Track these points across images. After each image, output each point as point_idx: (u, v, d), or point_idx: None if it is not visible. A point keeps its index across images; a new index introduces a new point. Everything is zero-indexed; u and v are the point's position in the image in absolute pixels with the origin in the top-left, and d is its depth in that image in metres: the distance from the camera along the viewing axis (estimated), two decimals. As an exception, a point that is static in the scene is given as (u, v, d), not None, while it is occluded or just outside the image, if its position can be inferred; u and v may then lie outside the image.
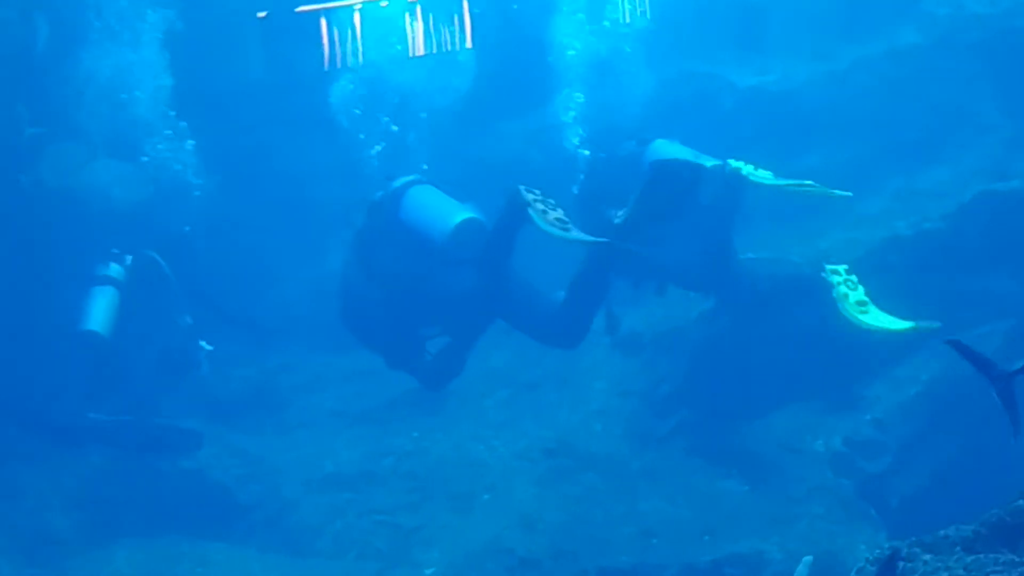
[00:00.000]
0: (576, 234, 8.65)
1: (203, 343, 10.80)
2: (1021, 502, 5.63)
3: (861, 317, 9.67)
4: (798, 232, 11.12)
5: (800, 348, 10.26)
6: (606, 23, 12.94)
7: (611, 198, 9.61)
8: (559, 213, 8.79)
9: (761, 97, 12.87)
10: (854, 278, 9.87)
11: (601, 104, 12.90)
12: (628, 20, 13.22)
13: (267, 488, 10.39)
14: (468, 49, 13.15)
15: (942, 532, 5.63)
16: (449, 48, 13.12)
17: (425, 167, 10.13)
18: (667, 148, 9.94)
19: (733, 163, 9.79)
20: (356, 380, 11.37)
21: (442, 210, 8.95)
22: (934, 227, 10.67)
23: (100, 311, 10.34)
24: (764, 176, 9.82)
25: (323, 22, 13.10)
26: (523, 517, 9.59)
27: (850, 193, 10.04)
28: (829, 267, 9.96)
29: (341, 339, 9.85)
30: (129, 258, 10.75)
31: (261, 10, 13.03)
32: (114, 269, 10.62)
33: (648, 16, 13.34)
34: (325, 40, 13.05)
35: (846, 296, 9.78)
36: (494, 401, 11.09)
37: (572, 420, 10.57)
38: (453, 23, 13.31)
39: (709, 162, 9.64)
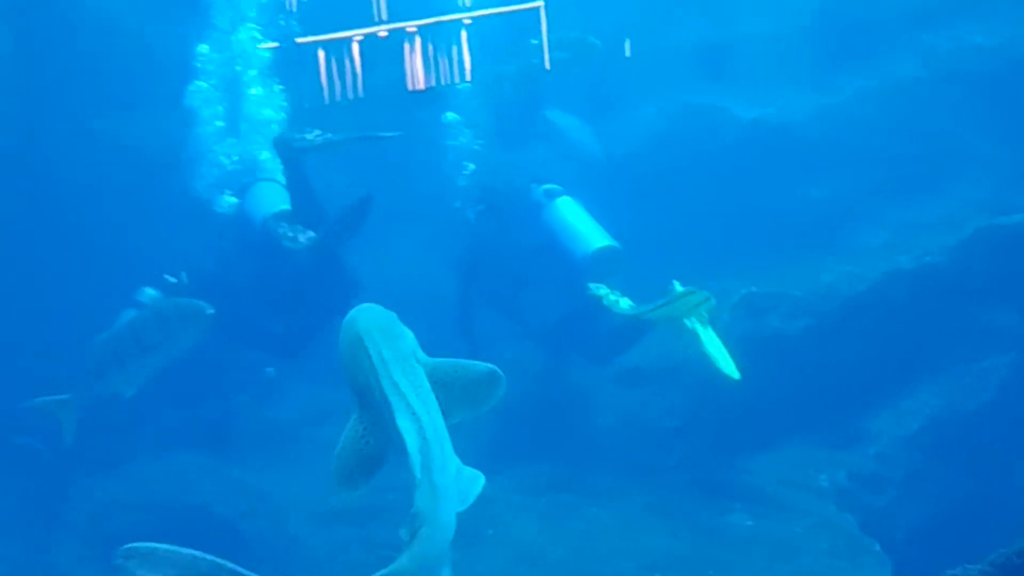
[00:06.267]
0: None
1: (269, 369, 11.33)
2: (1028, 541, 5.62)
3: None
4: (799, 265, 11.13)
5: (802, 381, 10.29)
6: None
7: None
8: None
9: (762, 129, 12.89)
10: (618, 292, 10.07)
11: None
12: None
13: (272, 523, 10.29)
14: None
15: (949, 573, 5.64)
16: (446, 82, 13.08)
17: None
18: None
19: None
20: (361, 414, 11.35)
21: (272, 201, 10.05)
22: (936, 261, 10.69)
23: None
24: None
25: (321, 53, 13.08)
26: (527, 552, 9.52)
27: None
28: (592, 285, 10.14)
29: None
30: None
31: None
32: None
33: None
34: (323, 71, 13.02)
35: (616, 302, 10.01)
36: (497, 435, 11.06)
37: (575, 454, 10.53)
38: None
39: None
